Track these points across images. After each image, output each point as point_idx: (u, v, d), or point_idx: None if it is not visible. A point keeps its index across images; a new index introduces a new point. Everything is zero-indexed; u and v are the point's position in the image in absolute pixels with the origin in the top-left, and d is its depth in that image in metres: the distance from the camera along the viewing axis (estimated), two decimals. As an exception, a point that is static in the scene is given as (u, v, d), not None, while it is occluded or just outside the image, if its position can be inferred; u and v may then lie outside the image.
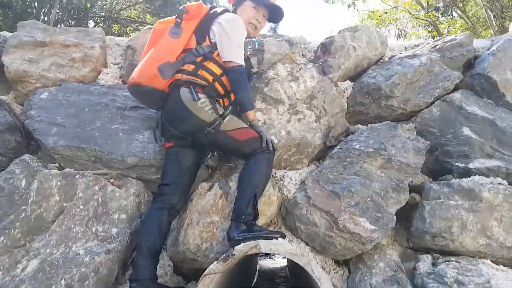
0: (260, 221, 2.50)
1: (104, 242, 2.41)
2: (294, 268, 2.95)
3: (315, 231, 2.55)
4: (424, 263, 2.59)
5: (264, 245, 2.14)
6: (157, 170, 2.73)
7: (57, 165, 2.67)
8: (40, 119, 2.80)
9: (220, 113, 2.40)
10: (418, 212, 2.74)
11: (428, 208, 2.66)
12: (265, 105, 2.86)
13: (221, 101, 2.52)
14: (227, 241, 2.35)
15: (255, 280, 5.52)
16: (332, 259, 2.74)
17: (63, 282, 2.18)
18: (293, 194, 2.74)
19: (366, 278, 2.48)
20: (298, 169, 2.90)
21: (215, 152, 2.66)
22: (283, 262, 7.27)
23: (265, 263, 7.45)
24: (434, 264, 2.59)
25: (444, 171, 2.97)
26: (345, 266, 2.79)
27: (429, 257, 2.66)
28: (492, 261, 2.53)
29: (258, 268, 6.35)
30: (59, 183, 2.50)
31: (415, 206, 2.83)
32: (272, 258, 7.85)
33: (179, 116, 2.41)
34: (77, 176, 2.55)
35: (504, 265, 2.52)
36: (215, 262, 2.17)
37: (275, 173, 2.83)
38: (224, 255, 2.20)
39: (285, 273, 5.55)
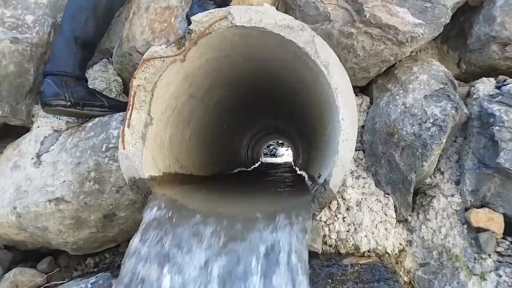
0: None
1: (14, 31, 1.61)
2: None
3: (327, 29, 1.68)
4: (485, 86, 1.74)
5: (238, 14, 1.29)
6: None
7: None
8: None
9: None
10: (483, 13, 1.80)
11: (501, 2, 1.71)
12: None
13: None
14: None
15: (256, 165, 4.99)
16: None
17: None
18: (297, -21, 1.80)
19: (397, 97, 1.67)
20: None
21: None
22: (287, 159, 6.77)
23: (268, 160, 6.98)
24: (499, 88, 1.73)
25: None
26: (365, 95, 1.98)
27: (492, 80, 1.79)
28: None
29: (260, 161, 5.82)
30: None
31: (476, 10, 1.88)
32: (275, 157, 7.35)
33: None
34: None
35: None
36: (162, 45, 1.36)
37: (271, -49, 1.86)
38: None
39: (287, 167, 4.98)
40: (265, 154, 7.15)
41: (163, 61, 1.36)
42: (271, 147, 7.64)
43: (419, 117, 1.56)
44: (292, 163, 5.13)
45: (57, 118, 1.66)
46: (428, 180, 1.76)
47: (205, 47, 1.42)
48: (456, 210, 1.67)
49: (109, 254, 1.69)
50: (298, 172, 3.02)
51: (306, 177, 2.05)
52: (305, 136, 2.70)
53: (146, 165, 1.35)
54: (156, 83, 1.38)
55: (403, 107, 1.62)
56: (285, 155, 7.16)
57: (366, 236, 1.56)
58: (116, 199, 1.53)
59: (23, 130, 1.74)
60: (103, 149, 1.49)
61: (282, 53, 1.45)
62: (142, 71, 1.34)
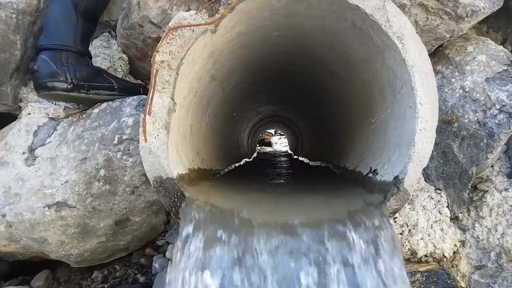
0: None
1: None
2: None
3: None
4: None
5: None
6: None
7: None
8: None
9: None
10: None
11: None
12: None
13: None
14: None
15: (255, 155, 4.76)
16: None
17: None
18: None
19: (453, 80, 1.46)
20: None
21: None
22: (281, 148, 6.58)
23: (263, 149, 6.76)
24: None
25: None
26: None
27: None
28: None
29: (256, 150, 5.60)
30: None
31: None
32: (271, 146, 7.14)
33: None
34: None
35: None
36: (191, 11, 1.09)
37: None
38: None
39: (286, 156, 4.75)
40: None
41: (193, 31, 1.08)
42: (263, 135, 7.39)
43: (482, 102, 1.36)
44: (291, 152, 4.94)
45: (52, 103, 1.36)
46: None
47: (241, 15, 1.15)
48: (512, 206, 1.50)
49: (120, 265, 1.43)
50: (311, 163, 2.80)
51: (337, 170, 1.83)
52: (322, 124, 2.47)
53: (173, 161, 1.09)
54: (182, 59, 1.11)
55: (461, 91, 1.41)
56: (278, 143, 6.96)
57: (422, 239, 1.37)
58: (131, 201, 1.26)
59: (9, 118, 1.44)
60: (115, 142, 1.21)
61: (333, 24, 1.20)
62: (167, 43, 1.07)
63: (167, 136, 1.10)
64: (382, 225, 0.89)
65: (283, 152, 5.48)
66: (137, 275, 1.34)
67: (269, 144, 6.83)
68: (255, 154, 4.35)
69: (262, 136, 6.79)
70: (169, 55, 1.09)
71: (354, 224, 0.90)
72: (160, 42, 1.07)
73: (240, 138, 3.13)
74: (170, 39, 1.08)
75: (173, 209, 1.06)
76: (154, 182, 1.05)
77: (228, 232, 0.85)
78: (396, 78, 1.11)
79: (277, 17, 1.25)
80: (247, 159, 3.27)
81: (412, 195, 1.46)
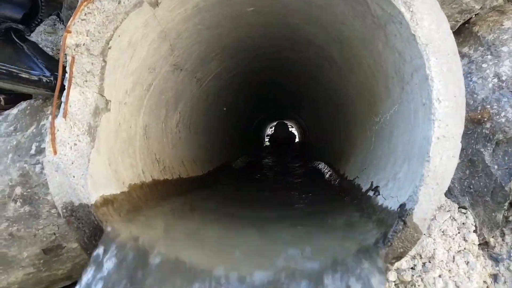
0: None
1: None
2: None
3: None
4: None
5: None
6: None
7: None
8: None
9: None
10: None
11: None
12: None
13: None
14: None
15: (261, 149, 4.47)
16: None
17: None
18: None
19: (484, 66, 1.11)
20: None
21: None
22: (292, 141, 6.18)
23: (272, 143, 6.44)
24: None
25: None
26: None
27: None
28: None
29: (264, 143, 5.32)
30: None
31: None
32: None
33: None
34: None
35: None
36: (115, -25, 0.79)
37: None
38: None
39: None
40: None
41: (119, 2, 0.78)
42: (272, 128, 7.01)
43: (526, 95, 1.01)
44: (299, 146, 4.65)
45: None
46: None
47: (190, -19, 0.84)
48: (561, 231, 1.14)
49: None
50: (314, 163, 2.47)
51: (336, 178, 1.50)
52: (321, 120, 2.14)
53: (94, 180, 0.80)
54: (109, 42, 0.82)
55: (496, 80, 1.06)
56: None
57: (441, 276, 1.04)
58: (60, 225, 0.99)
59: None
60: (33, 151, 0.94)
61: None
62: (82, 19, 0.78)
63: (90, 144, 0.82)
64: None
65: (290, 144, 5.19)
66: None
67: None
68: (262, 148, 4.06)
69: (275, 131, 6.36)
70: (87, 36, 0.80)
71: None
72: (71, 18, 0.78)
73: (239, 135, 2.83)
74: (85, 14, 0.78)
75: (88, 248, 0.77)
76: (64, 210, 0.77)
77: None
78: (404, 62, 0.79)
79: (245, -15, 0.93)
80: (249, 152, 2.98)
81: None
